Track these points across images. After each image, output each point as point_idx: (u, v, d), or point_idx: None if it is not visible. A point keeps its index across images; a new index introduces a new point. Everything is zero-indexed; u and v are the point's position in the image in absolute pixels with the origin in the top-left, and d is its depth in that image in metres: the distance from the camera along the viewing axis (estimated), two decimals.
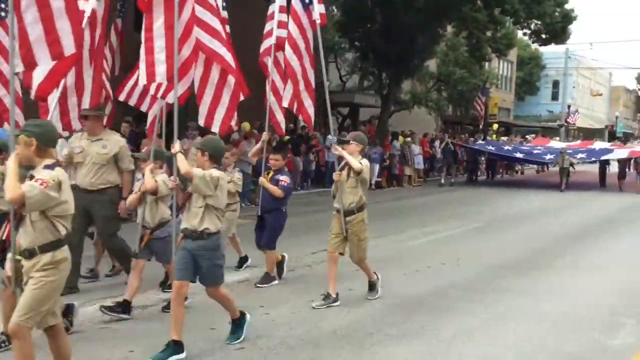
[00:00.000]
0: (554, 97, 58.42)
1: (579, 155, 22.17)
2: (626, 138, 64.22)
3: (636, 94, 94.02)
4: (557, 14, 22.33)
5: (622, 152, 22.03)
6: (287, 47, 7.47)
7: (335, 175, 6.54)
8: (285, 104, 7.68)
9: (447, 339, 5.52)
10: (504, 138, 33.46)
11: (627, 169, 21.98)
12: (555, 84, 58.32)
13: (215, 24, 5.86)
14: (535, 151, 23.69)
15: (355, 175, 6.35)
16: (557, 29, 22.62)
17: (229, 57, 6.00)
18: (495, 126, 34.96)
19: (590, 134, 64.60)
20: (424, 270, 8.37)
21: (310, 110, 7.83)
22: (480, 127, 30.69)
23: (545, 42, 24.97)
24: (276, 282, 7.33)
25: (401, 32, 21.39)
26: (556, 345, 5.44)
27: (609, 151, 22.56)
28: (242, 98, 6.32)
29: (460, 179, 24.07)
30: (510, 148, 24.51)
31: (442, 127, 39.24)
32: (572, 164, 21.69)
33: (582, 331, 5.84)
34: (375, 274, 6.81)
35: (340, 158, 6.53)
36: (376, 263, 8.53)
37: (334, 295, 6.41)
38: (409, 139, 22.99)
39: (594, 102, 69.69)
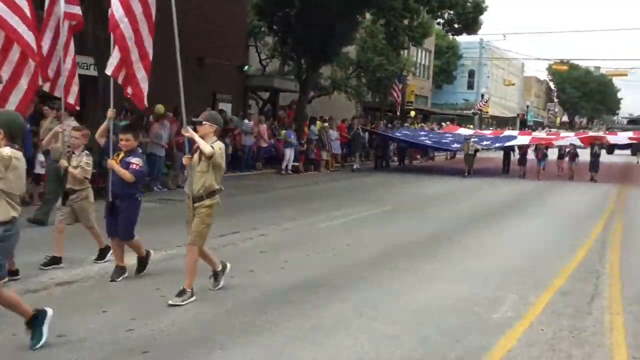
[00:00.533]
0: (470, 86, 60.40)
1: (485, 142, 22.98)
2: (535, 126, 67.60)
3: (547, 84, 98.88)
4: (469, 4, 23.04)
5: (524, 139, 23.03)
6: (118, 6, 6.39)
7: (184, 159, 6.06)
8: (108, 72, 6.62)
9: (336, 315, 5.71)
10: (422, 125, 34.48)
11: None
12: (471, 74, 60.29)
13: (23, 4, 5.61)
14: (444, 140, 24.24)
15: (207, 160, 5.83)
16: (469, 19, 23.38)
17: (32, 40, 5.72)
18: (413, 113, 35.88)
19: (503, 122, 67.41)
20: (327, 251, 8.55)
21: (143, 85, 6.65)
22: (398, 113, 31.42)
23: (457, 32, 25.77)
24: (126, 274, 6.74)
25: (320, 18, 21.48)
26: (439, 319, 5.73)
27: (513, 138, 23.61)
28: (40, 83, 6.04)
29: (369, 165, 24.56)
30: (422, 135, 24.99)
31: (361, 113, 39.92)
32: (476, 150, 22.52)
33: (467, 306, 6.17)
34: (221, 263, 6.43)
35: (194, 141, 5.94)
36: (281, 246, 8.80)
37: (189, 290, 5.91)
38: (326, 124, 23.44)
39: (507, 92, 72.50)
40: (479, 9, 23.45)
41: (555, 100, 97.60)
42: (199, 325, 5.33)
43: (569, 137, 23.17)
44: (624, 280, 7.49)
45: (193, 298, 5.95)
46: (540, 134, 26.92)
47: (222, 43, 23.07)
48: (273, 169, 20.55)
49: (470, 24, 23.63)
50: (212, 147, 5.83)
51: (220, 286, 6.41)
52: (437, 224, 11.27)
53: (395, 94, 29.17)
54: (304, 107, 24.22)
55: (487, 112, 52.10)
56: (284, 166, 20.03)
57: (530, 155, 22.44)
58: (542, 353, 5.02)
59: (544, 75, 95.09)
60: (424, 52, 48.93)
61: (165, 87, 8.48)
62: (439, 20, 24.06)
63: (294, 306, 5.97)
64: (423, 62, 49.75)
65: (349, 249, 8.82)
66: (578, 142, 21.88)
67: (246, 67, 24.79)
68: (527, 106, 70.92)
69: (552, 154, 23.34)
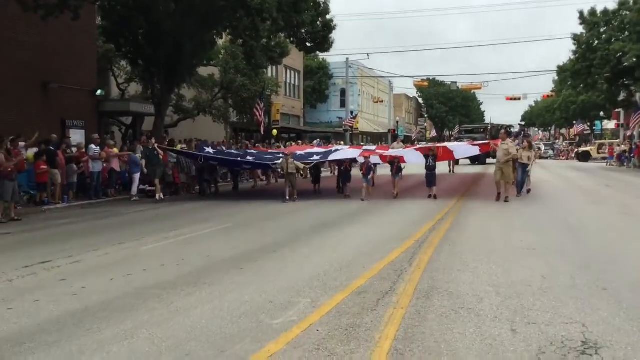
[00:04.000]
0: (343, 104, 61.88)
1: (314, 158, 20.30)
2: (406, 141, 70.46)
3: (417, 100, 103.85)
4: (318, 23, 23.52)
5: (352, 152, 20.60)
6: None
7: None
8: None
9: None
10: (292, 143, 34.71)
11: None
12: (343, 92, 61.83)
13: None
14: (267, 155, 21.24)
15: None
16: (319, 37, 23.83)
17: None
18: (275, 132, 36.06)
19: (376, 137, 69.85)
20: (136, 273, 8.14)
21: None
22: (262, 132, 31.44)
23: (310, 50, 26.23)
24: None
25: (168, 38, 21.07)
26: (216, 331, 5.52)
27: (340, 151, 21.11)
28: None
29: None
30: (239, 153, 22.10)
31: (231, 134, 39.79)
32: (302, 168, 19.81)
33: (254, 314, 6.02)
34: None
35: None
36: (90, 271, 8.30)
37: None
38: (184, 146, 22.91)
39: (378, 109, 75.39)
40: (329, 28, 23.99)
41: (425, 115, 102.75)
42: None
43: (401, 150, 20.84)
44: (425, 277, 7.66)
45: None
46: (371, 147, 25.92)
47: (69, 67, 21.99)
48: (129, 195, 19.72)
49: (322, 42, 24.10)
50: None
51: None
52: (254, 243, 11.17)
53: (257, 114, 29.14)
54: (160, 130, 23.58)
55: (357, 128, 53.51)
56: (133, 191, 19.20)
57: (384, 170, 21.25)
58: (304, 354, 4.94)
59: (413, 92, 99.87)
60: (292, 73, 49.71)
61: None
62: (292, 39, 24.28)
63: (61, 333, 5.53)
64: (293, 82, 50.53)
65: (162, 269, 8.46)
66: (413, 156, 19.18)
67: (99, 92, 23.74)
68: (397, 121, 73.89)
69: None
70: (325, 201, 17.84)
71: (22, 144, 16.78)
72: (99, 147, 19.30)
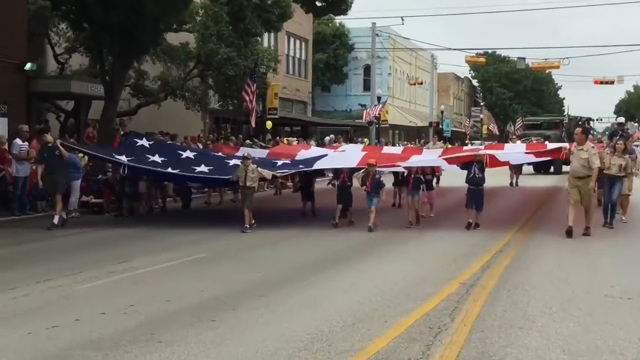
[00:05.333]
0: (367, 86, 61.70)
1: (279, 164, 19.32)
2: (454, 139, 70.37)
3: (469, 82, 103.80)
4: None
5: (354, 157, 19.66)
6: None
7: None
8: None
9: None
10: (294, 140, 34.67)
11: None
12: (367, 70, 61.72)
13: None
14: (230, 163, 18.99)
15: None
16: None
17: None
18: (269, 124, 35.96)
19: (412, 133, 69.79)
20: (67, 324, 8.05)
21: None
22: (253, 124, 31.36)
23: (321, 12, 26.20)
24: None
25: None
26: None
27: (321, 157, 20.05)
28: None
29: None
30: (191, 156, 19.40)
31: (212, 126, 39.81)
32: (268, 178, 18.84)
33: None
34: None
35: None
36: (7, 319, 8.22)
37: None
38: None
39: (416, 93, 75.36)
40: None
41: (482, 103, 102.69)
42: None
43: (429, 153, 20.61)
44: (472, 338, 7.49)
45: None
46: (395, 149, 25.19)
47: None
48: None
49: (336, 2, 24.00)
50: None
51: None
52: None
53: (247, 98, 29.05)
54: (111, 120, 23.55)
55: (386, 120, 53.43)
56: (71, 204, 19.00)
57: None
58: None
59: (465, 71, 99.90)
60: (297, 43, 49.67)
61: None
62: None
63: None
64: (298, 56, 50.53)
65: (101, 318, 8.38)
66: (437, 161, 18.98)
67: (29, 65, 23.75)
68: (442, 111, 73.81)
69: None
70: (323, 226, 16.99)
71: None
72: (26, 143, 19.23)
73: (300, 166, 19.47)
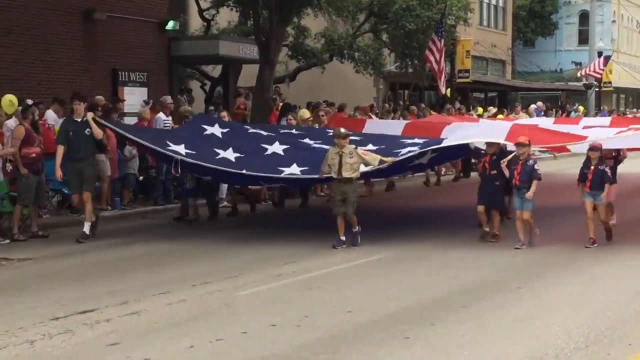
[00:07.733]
0: (583, 38, 60.18)
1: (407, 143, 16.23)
2: None
3: None
4: None
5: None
6: None
7: None
8: None
9: None
10: (489, 112, 34.15)
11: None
12: (584, 18, 60.23)
13: None
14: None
15: None
16: None
17: None
18: (447, 91, 35.18)
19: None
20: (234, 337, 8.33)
21: None
22: (441, 92, 31.13)
23: None
24: None
25: None
26: None
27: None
28: None
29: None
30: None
31: (387, 94, 39.92)
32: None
33: None
34: None
35: None
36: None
37: None
38: (322, 113, 21.67)
39: None
40: None
41: None
42: None
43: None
44: None
45: None
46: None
47: None
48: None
49: None
50: None
51: None
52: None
53: (433, 58, 28.87)
54: (267, 88, 24.04)
55: (610, 82, 51.72)
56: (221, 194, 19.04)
57: None
58: None
59: None
60: None
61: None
62: None
63: None
64: (493, 2, 49.85)
65: (270, 332, 8.60)
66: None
67: (171, 24, 24.72)
68: None
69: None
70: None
71: (50, 113, 17.69)
72: (170, 118, 19.84)
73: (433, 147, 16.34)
